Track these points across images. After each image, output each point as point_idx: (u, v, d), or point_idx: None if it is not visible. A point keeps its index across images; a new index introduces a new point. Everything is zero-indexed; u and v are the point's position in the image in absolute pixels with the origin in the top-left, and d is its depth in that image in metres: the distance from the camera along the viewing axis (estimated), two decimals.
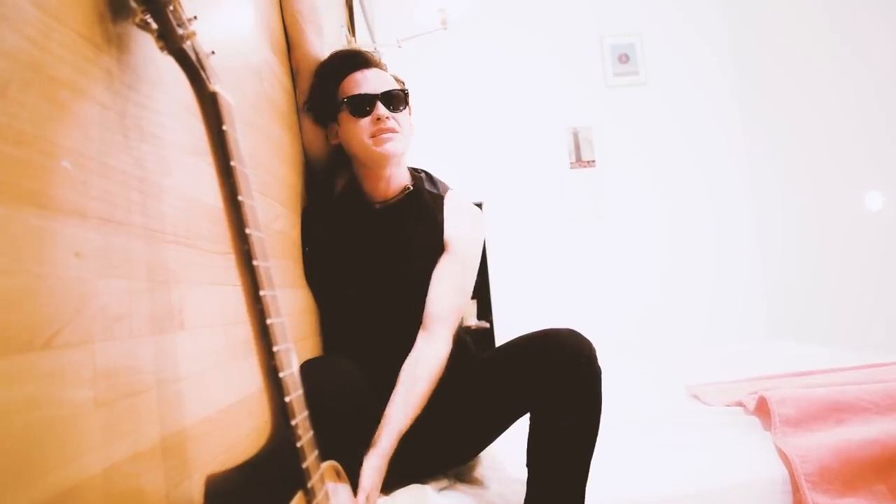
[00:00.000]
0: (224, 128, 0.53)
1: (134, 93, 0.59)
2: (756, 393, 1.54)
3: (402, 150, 1.25)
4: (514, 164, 3.84)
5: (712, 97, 3.92)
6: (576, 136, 3.89)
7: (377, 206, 1.28)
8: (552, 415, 1.04)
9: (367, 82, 1.25)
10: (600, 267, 3.78)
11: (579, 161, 3.89)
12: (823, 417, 1.38)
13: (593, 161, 3.88)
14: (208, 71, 0.55)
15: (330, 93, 1.28)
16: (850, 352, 2.24)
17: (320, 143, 1.35)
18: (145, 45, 0.61)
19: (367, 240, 1.27)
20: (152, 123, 0.62)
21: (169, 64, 0.57)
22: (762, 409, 1.46)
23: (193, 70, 0.54)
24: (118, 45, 0.56)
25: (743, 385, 1.80)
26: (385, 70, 1.33)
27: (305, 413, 0.53)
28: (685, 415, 1.59)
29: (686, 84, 3.92)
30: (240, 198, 0.52)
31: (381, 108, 1.22)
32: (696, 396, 1.77)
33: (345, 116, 1.25)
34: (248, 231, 0.52)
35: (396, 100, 1.25)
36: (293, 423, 0.50)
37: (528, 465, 1.06)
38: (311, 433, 0.53)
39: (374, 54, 1.37)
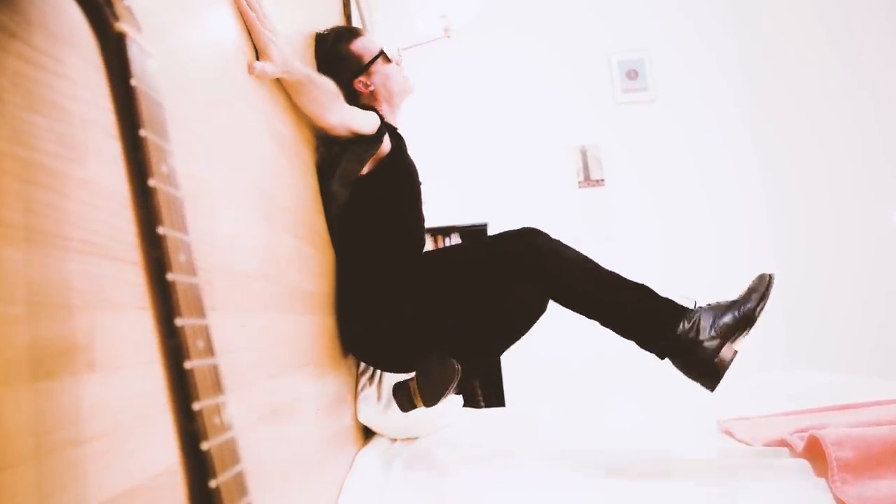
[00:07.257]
0: (132, 83, 0.37)
1: (22, 44, 0.43)
2: (804, 431, 1.35)
3: None
4: (520, 184, 3.69)
5: (723, 113, 3.78)
6: (584, 154, 3.75)
7: (397, 130, 1.67)
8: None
9: (376, 41, 1.65)
10: None
11: (588, 180, 3.74)
12: (888, 462, 1.19)
13: (602, 180, 3.73)
14: (117, 7, 0.39)
15: (342, 55, 1.59)
16: (882, 381, 2.05)
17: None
18: None
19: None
20: (55, 91, 0.46)
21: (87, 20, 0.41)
22: (813, 451, 1.27)
23: (93, 5, 0.38)
24: None
25: (779, 420, 1.61)
26: None
27: (245, 501, 0.35)
28: (722, 456, 1.40)
29: (696, 100, 3.79)
30: (150, 182, 0.35)
31: (400, 58, 1.66)
32: (728, 432, 1.59)
33: (381, 64, 1.63)
34: (160, 231, 0.35)
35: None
36: None
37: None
38: None
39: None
